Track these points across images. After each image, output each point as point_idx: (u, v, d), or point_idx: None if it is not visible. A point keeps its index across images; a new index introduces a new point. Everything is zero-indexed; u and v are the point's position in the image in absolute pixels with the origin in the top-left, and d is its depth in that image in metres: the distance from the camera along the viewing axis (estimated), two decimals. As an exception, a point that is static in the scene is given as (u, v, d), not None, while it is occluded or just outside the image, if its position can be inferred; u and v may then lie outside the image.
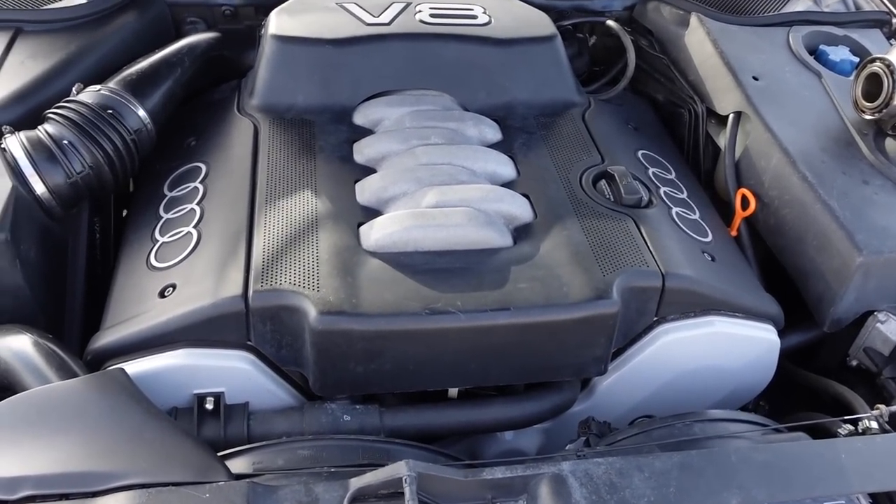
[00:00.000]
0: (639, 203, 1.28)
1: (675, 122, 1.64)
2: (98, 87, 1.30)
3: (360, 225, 1.18)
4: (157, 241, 1.20)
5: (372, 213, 1.22)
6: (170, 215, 1.24)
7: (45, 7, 1.47)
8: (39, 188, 1.19)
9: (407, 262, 1.13)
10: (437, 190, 1.22)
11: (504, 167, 1.31)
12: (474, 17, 1.51)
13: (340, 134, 1.37)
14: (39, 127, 1.23)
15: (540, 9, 1.67)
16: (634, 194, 1.27)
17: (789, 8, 1.72)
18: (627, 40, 1.57)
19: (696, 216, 1.34)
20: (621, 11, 1.75)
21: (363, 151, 1.33)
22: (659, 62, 1.65)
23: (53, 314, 1.22)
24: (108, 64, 1.43)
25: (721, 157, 1.53)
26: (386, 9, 1.50)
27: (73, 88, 1.30)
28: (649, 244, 1.19)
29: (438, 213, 1.17)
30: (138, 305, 1.11)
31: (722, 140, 1.50)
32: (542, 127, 1.43)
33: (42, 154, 1.20)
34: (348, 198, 1.23)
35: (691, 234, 1.27)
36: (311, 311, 1.04)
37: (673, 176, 1.43)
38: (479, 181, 1.27)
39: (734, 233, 1.42)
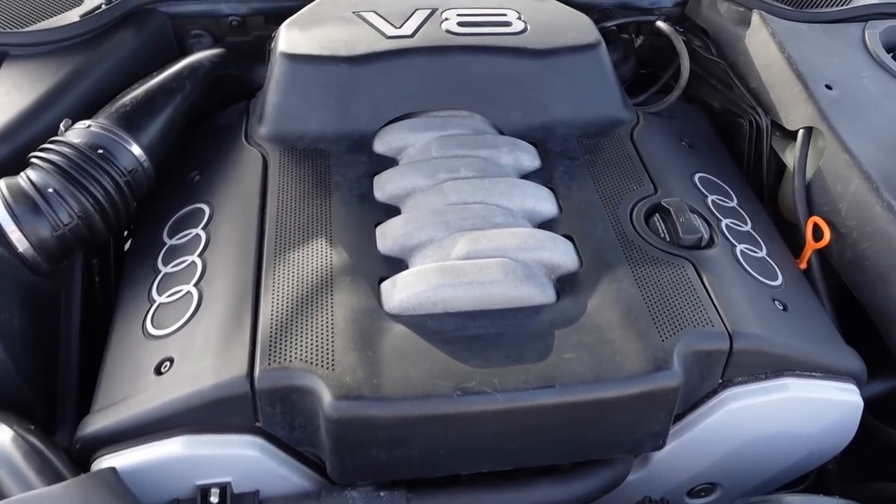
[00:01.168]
0: (698, 244, 1.11)
1: (733, 134, 1.46)
2: (87, 122, 1.16)
3: (381, 280, 1.04)
4: (155, 301, 1.07)
5: (395, 263, 1.08)
6: (168, 269, 1.11)
7: (32, 28, 1.33)
8: (22, 245, 1.07)
9: (435, 328, 0.98)
10: (469, 237, 1.07)
11: (544, 203, 1.16)
12: (508, 24, 1.34)
13: (359, 166, 1.22)
14: (22, 173, 1.10)
15: (580, 7, 1.50)
16: (694, 234, 1.11)
17: (863, -1, 1.52)
18: (681, 45, 1.39)
19: (763, 253, 1.17)
20: (672, 8, 1.56)
21: (384, 187, 1.18)
22: (715, 66, 1.47)
23: (44, 382, 1.10)
24: (103, 89, 1.29)
25: (787, 175, 1.36)
26: (409, 17, 1.34)
27: (61, 125, 1.17)
28: (712, 296, 1.04)
29: (471, 266, 1.02)
30: (132, 383, 0.99)
31: (789, 157, 1.33)
32: (586, 150, 1.26)
33: (24, 206, 1.07)
34: (368, 246, 1.09)
35: (759, 277, 1.11)
36: (326, 395, 0.90)
37: (735, 203, 1.26)
38: (516, 222, 1.12)
39: (803, 265, 1.25)
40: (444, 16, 1.35)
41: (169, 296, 1.07)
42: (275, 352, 0.94)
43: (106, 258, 1.31)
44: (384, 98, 1.27)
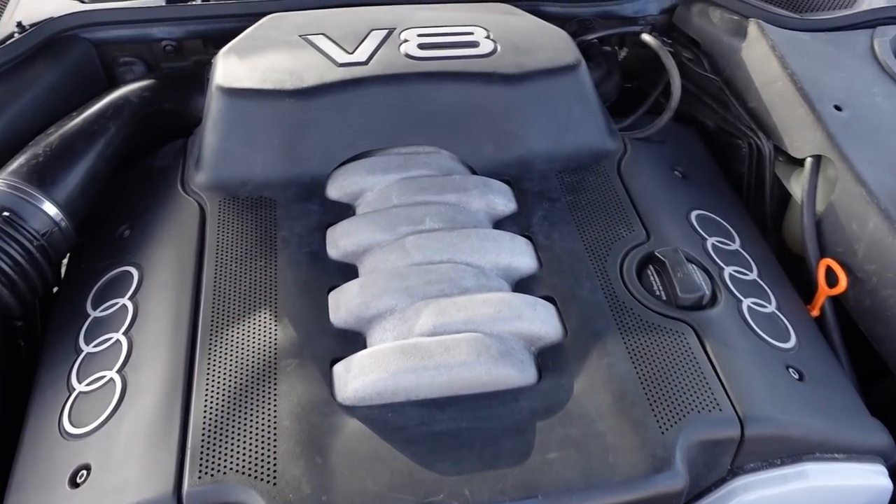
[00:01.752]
0: (699, 303, 0.97)
1: (731, 157, 1.31)
2: (-9, 179, 1.00)
3: (334, 362, 0.90)
4: (74, 389, 0.92)
5: (351, 338, 0.93)
6: (91, 348, 0.96)
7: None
8: (-82, 327, 0.92)
9: (396, 424, 0.84)
10: (435, 307, 0.92)
11: (521, 257, 1.01)
12: (475, 44, 1.18)
13: (310, 216, 1.07)
14: None
15: (556, 19, 1.35)
16: (694, 292, 0.97)
17: (869, 2, 1.37)
18: (670, 61, 1.23)
19: (773, 307, 1.03)
20: (657, 16, 1.40)
21: (338, 243, 1.03)
22: (709, 82, 1.32)
23: None
24: (17, 132, 1.13)
25: (793, 205, 1.21)
26: (363, 40, 1.18)
27: (-38, 182, 1.01)
28: (718, 370, 0.90)
29: (437, 346, 0.88)
30: (45, 496, 0.84)
31: (795, 187, 1.19)
32: (568, 189, 1.11)
33: (-84, 284, 0.92)
34: (319, 318, 0.94)
35: (770, 339, 0.97)
36: (265, 516, 0.76)
37: (737, 245, 1.11)
38: (489, 283, 0.97)
39: (816, 313, 1.11)
40: (402, 36, 1.19)
41: (89, 383, 0.92)
42: (207, 460, 0.80)
43: (33, 322, 1.16)
44: (337, 136, 1.11)
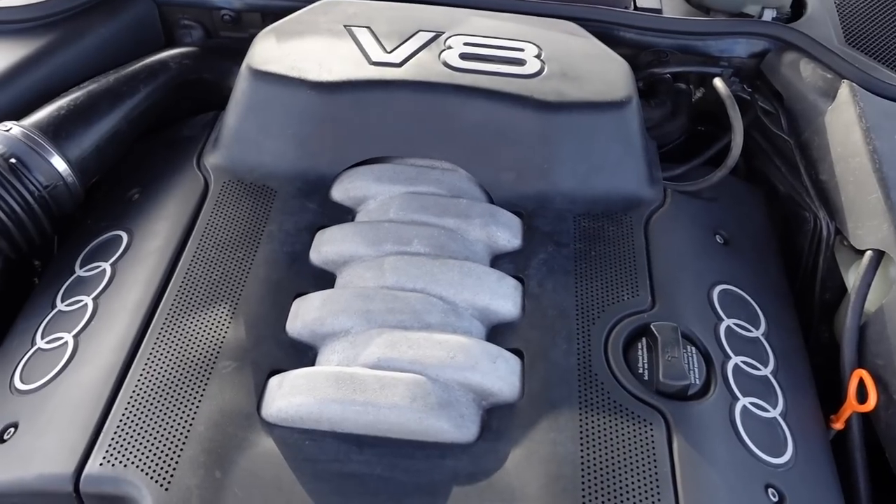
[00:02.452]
0: (683, 392, 0.86)
1: (795, 229, 1.16)
2: (10, 124, 1.03)
3: (273, 374, 0.86)
4: (35, 345, 0.94)
5: (300, 352, 0.89)
6: (63, 306, 0.97)
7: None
8: (-90, 252, 0.96)
9: (310, 454, 0.80)
10: (387, 338, 0.87)
11: (502, 301, 0.93)
12: (521, 62, 1.10)
13: (304, 215, 1.03)
14: None
15: (630, 46, 1.24)
16: (677, 379, 0.86)
17: None
18: (735, 114, 1.10)
19: (776, 411, 0.90)
20: (745, 59, 1.26)
21: (321, 249, 0.99)
22: (782, 142, 1.17)
23: None
24: (57, 82, 1.15)
25: (847, 300, 1.06)
26: (406, 40, 1.12)
27: (-14, 123, 1.04)
28: (678, 475, 0.79)
29: (374, 381, 0.82)
30: (-25, 444, 0.86)
31: (851, 278, 1.04)
32: (582, 237, 1.02)
33: (-80, 211, 0.96)
34: (276, 323, 0.91)
35: (755, 450, 0.85)
36: (146, 522, 0.74)
37: (760, 332, 0.99)
38: (456, 323, 0.90)
39: (839, 426, 0.96)
40: (448, 43, 1.12)
41: (49, 341, 0.93)
42: (115, 448, 0.79)
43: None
44: (353, 136, 1.07)
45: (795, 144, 1.13)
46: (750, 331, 0.98)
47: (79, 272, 1.02)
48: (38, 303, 1.01)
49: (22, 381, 0.90)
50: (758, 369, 0.94)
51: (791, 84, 1.17)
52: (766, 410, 0.90)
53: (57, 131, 1.03)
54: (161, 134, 1.21)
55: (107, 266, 1.00)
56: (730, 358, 0.93)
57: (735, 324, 0.97)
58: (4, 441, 0.84)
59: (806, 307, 1.10)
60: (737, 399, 0.89)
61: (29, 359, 0.92)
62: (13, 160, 1.00)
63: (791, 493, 0.83)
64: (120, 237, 1.04)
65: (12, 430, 0.85)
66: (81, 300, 0.97)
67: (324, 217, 1.04)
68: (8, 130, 1.02)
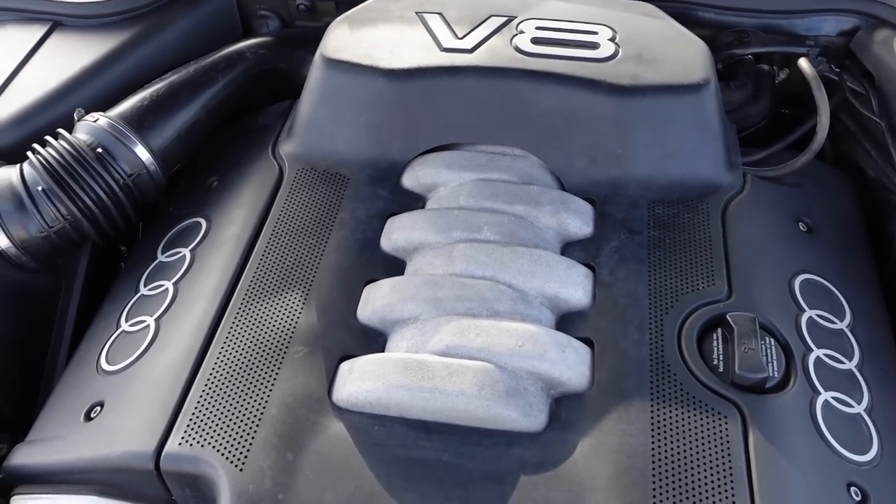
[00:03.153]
0: (761, 385, 0.84)
1: (885, 215, 1.11)
2: (97, 116, 1.07)
3: (343, 359, 0.88)
4: (120, 328, 0.98)
5: (371, 338, 0.90)
6: (146, 291, 1.01)
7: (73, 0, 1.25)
8: (3, 242, 1.01)
9: (378, 439, 0.81)
10: (456, 325, 0.87)
11: (573, 289, 0.92)
12: (595, 45, 1.08)
13: (376, 202, 1.04)
14: (18, 166, 1.04)
15: (710, 27, 1.20)
16: (755, 373, 0.83)
17: None
18: (821, 95, 1.05)
19: (861, 407, 0.86)
20: (833, 38, 1.19)
21: (391, 236, 0.99)
22: (873, 124, 1.11)
23: (20, 382, 1.05)
24: (141, 75, 1.20)
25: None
26: (477, 26, 1.12)
27: (74, 114, 1.09)
28: (753, 471, 0.77)
29: (442, 368, 0.83)
30: (64, 423, 0.90)
31: (946, 268, 0.98)
32: (656, 224, 1.00)
33: (9, 203, 1.01)
34: (347, 310, 0.92)
35: (838, 447, 0.81)
36: (224, 499, 0.76)
37: (845, 324, 0.94)
38: (526, 311, 0.89)
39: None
40: (520, 27, 1.11)
41: (133, 324, 0.97)
42: (192, 429, 0.81)
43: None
44: (424, 123, 1.07)
45: (887, 127, 1.07)
46: (834, 322, 0.94)
47: (161, 258, 1.05)
48: (123, 287, 1.05)
49: (108, 362, 0.94)
50: (841, 363, 0.90)
51: (883, 63, 1.11)
52: (850, 406, 0.86)
53: (140, 122, 1.07)
54: (238, 123, 1.24)
55: (186, 252, 1.03)
56: (811, 350, 0.89)
57: (818, 315, 0.93)
58: (91, 419, 0.88)
59: None
60: (818, 393, 0.85)
61: (114, 341, 0.96)
62: (100, 150, 1.04)
63: (875, 492, 0.80)
64: (199, 224, 1.07)
65: (98, 408, 0.89)
66: (163, 285, 1.00)
67: (395, 204, 1.04)
68: (95, 121, 1.06)
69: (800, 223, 1.05)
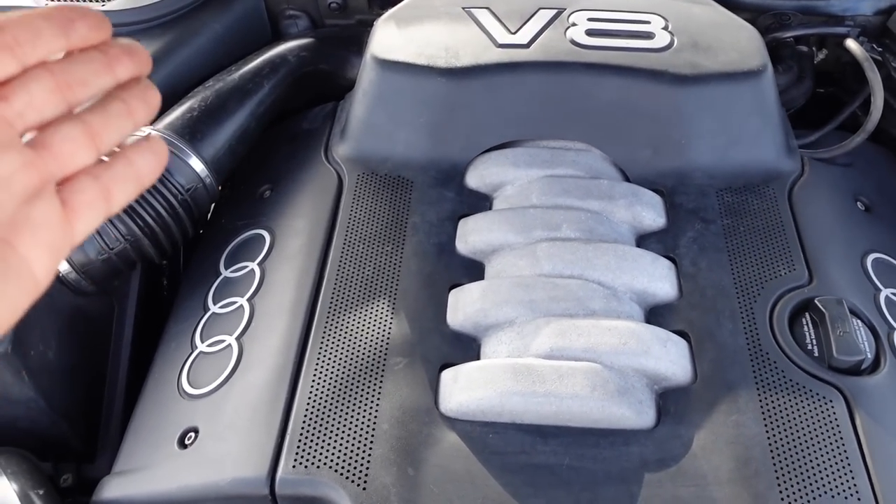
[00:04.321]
0: (857, 367, 0.86)
1: (930, 188, 1.14)
2: (147, 129, 1.03)
3: (443, 367, 0.87)
4: (196, 348, 0.95)
5: (465, 343, 0.90)
6: (217, 309, 0.98)
7: (107, 7, 1.20)
8: (63, 268, 0.97)
9: (496, 447, 0.80)
10: (556, 327, 0.87)
11: (660, 283, 0.93)
12: (650, 35, 1.08)
13: (444, 204, 1.03)
14: None
15: (750, 10, 1.21)
16: (853, 355, 0.85)
17: None
18: (875, 76, 1.07)
19: (947, 380, 0.90)
20: (870, 17, 1.22)
21: (468, 239, 0.99)
22: (917, 101, 1.14)
23: (83, 410, 1.02)
24: (181, 81, 1.16)
25: None
26: (528, 19, 1.11)
27: (122, 129, 1.05)
28: (865, 450, 0.79)
29: (551, 372, 0.83)
30: (155, 450, 0.88)
31: None
32: (727, 212, 1.01)
33: (67, 226, 0.97)
34: (436, 317, 0.91)
35: (935, 422, 0.85)
36: (351, 521, 0.76)
37: (917, 300, 0.97)
38: (619, 307, 0.90)
39: None
40: (571, 19, 1.10)
41: (210, 345, 0.95)
42: (304, 449, 0.80)
43: (175, 271, 1.21)
44: (485, 121, 1.06)
45: None
46: (908, 299, 0.97)
47: (225, 273, 1.03)
48: (188, 305, 1.02)
49: (191, 385, 0.92)
50: (921, 339, 0.93)
51: (925, 41, 1.14)
52: (937, 380, 0.89)
53: (192, 133, 1.04)
54: (281, 127, 1.21)
55: (254, 266, 1.01)
56: (894, 329, 0.92)
57: (893, 293, 0.96)
58: (186, 446, 0.86)
59: None
60: (908, 371, 0.88)
61: (193, 362, 0.94)
62: (156, 166, 1.00)
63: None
64: (262, 236, 1.04)
65: (193, 434, 0.86)
66: (236, 301, 0.98)
67: (463, 205, 1.03)
68: (147, 136, 1.02)
69: (858, 202, 1.07)
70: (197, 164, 1.03)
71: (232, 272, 1.02)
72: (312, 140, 1.14)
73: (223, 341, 0.94)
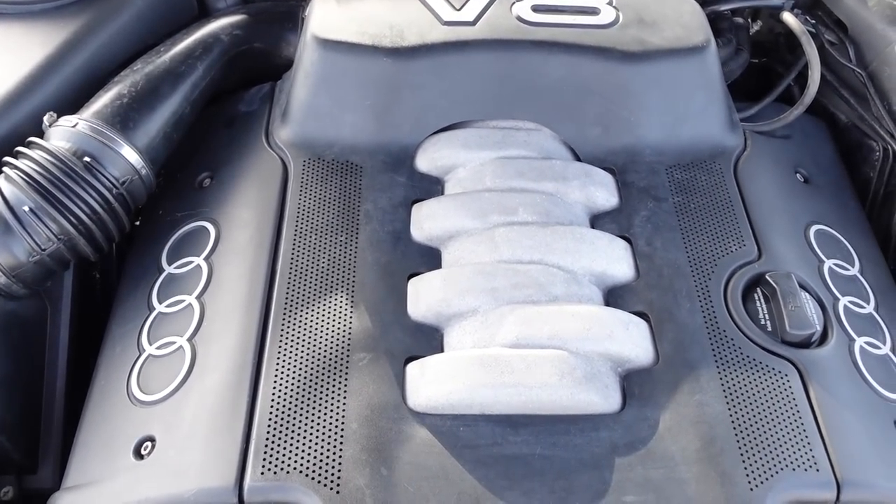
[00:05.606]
0: (808, 340, 0.89)
1: (860, 159, 1.18)
2: (74, 119, 0.96)
3: (408, 361, 0.85)
4: (143, 350, 0.91)
5: (427, 334, 0.88)
6: (163, 308, 0.94)
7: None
8: (-9, 272, 0.91)
9: (468, 440, 0.80)
10: (520, 315, 0.86)
11: (618, 265, 0.93)
12: (595, 11, 1.07)
13: (396, 189, 1.00)
14: None
15: (687, -17, 1.21)
16: (804, 329, 0.88)
17: None
18: (813, 51, 1.09)
19: (888, 347, 0.94)
20: (803, -11, 1.25)
21: (423, 225, 0.97)
22: (849, 72, 1.18)
23: (21, 418, 0.96)
24: (104, 63, 1.09)
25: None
26: (472, -6, 1.08)
27: (45, 118, 0.97)
28: (820, 422, 0.82)
29: (518, 361, 0.82)
30: (109, 462, 0.83)
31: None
32: (677, 189, 1.02)
33: (-6, 227, 0.90)
34: (397, 308, 0.89)
35: (881, 389, 0.89)
36: (326, 526, 0.74)
37: (856, 270, 1.01)
38: (580, 291, 0.90)
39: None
40: (516, -7, 1.08)
41: (159, 347, 0.90)
42: (271, 455, 0.77)
43: (109, 259, 1.14)
44: (433, 102, 1.04)
45: (867, 76, 1.13)
46: (847, 269, 1.01)
47: (169, 269, 0.98)
48: (131, 305, 0.97)
49: (142, 391, 0.87)
50: (863, 307, 0.97)
51: (856, 14, 1.17)
52: (879, 348, 0.93)
53: (124, 121, 0.97)
54: (216, 110, 1.14)
55: (200, 261, 0.96)
56: (838, 299, 0.95)
57: (835, 264, 1.00)
58: (143, 457, 0.82)
59: (878, 238, 1.13)
60: (853, 340, 0.92)
61: (142, 367, 0.89)
62: (87, 158, 0.94)
63: (913, 426, 0.88)
64: (205, 229, 1.00)
65: (149, 444, 0.83)
66: (183, 300, 0.93)
67: (415, 190, 1.01)
68: (74, 126, 0.95)
69: (797, 174, 1.10)
70: (131, 155, 0.97)
71: (176, 268, 0.97)
72: (251, 124, 1.09)
73: (174, 343, 0.89)
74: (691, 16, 1.08)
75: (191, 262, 0.97)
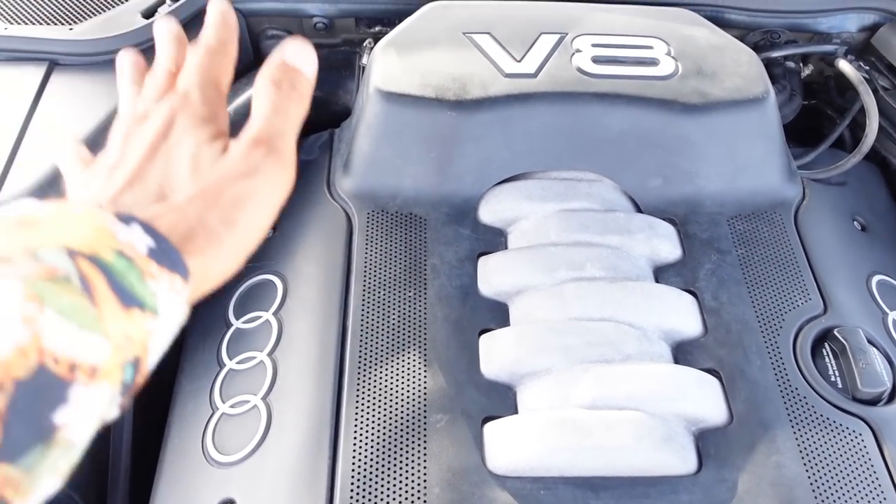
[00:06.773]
0: (879, 398, 0.89)
1: (914, 201, 1.19)
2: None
3: (484, 421, 0.86)
4: (217, 409, 0.91)
5: (501, 393, 0.89)
6: (234, 364, 0.94)
7: (85, 36, 1.11)
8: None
9: (549, 503, 0.80)
10: (595, 375, 0.87)
11: (687, 321, 0.94)
12: (655, 62, 1.07)
13: (461, 242, 1.01)
14: None
15: (739, 28, 1.22)
16: (877, 387, 0.89)
17: None
18: (870, 99, 1.10)
19: (953, 401, 0.94)
20: (854, 34, 1.25)
21: (490, 280, 0.97)
22: (903, 118, 1.18)
23: (89, 475, 0.97)
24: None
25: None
26: (531, 46, 1.08)
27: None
28: (894, 479, 0.83)
29: (597, 424, 0.83)
30: (189, 526, 0.84)
31: None
32: (740, 240, 1.03)
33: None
34: (470, 367, 0.90)
35: (951, 445, 0.89)
36: None
37: (919, 321, 1.02)
38: (651, 348, 0.91)
39: None
40: (575, 45, 1.09)
41: (233, 405, 0.91)
42: (356, 519, 0.78)
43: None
44: (496, 154, 1.04)
45: None
46: (911, 321, 1.01)
47: (237, 324, 0.98)
48: (200, 360, 0.98)
49: (218, 451, 0.88)
50: (927, 361, 0.97)
51: (909, 59, 1.18)
52: (946, 402, 0.94)
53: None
54: (274, 159, 1.15)
55: (269, 316, 0.97)
56: (906, 353, 0.96)
57: (898, 316, 1.00)
58: (225, 520, 0.83)
59: None
60: (922, 396, 0.92)
61: (216, 427, 0.90)
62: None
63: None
64: (272, 282, 1.00)
65: (229, 508, 0.83)
66: (255, 357, 0.94)
67: (479, 242, 1.02)
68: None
69: (854, 222, 1.11)
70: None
71: (244, 322, 0.98)
72: (311, 173, 1.10)
73: (248, 402, 0.90)
74: (749, 66, 1.09)
75: (259, 317, 0.97)
